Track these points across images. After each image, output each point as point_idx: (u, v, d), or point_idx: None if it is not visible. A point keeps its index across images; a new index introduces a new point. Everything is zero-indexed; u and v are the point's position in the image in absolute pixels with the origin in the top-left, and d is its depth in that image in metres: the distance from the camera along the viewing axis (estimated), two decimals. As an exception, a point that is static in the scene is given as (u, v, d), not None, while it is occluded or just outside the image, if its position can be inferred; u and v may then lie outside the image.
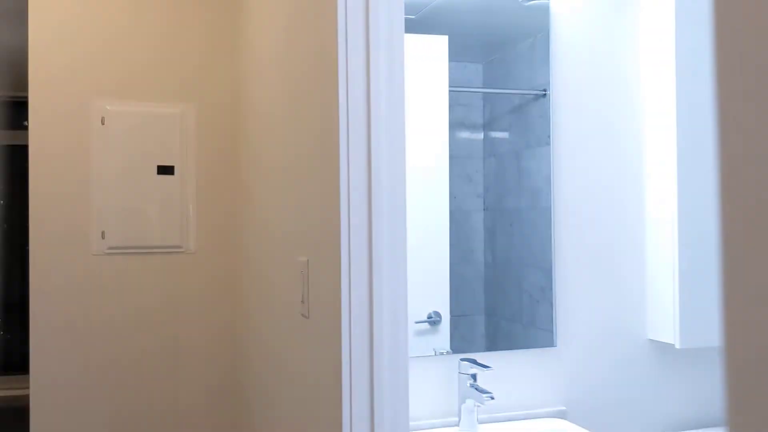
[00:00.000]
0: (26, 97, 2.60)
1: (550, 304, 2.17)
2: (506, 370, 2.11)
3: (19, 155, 4.15)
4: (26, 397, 2.66)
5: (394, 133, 1.36)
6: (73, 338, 2.64)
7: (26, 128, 2.62)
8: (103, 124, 2.67)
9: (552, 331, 2.17)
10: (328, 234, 1.47)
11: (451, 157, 2.14)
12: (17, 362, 6.59)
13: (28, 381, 2.59)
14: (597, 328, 2.22)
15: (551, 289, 2.16)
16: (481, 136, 2.18)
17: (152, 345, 2.74)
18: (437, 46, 2.13)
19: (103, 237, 2.67)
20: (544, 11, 2.24)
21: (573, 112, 2.25)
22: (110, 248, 2.69)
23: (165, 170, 2.74)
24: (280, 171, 2.01)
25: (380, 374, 1.33)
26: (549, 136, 2.21)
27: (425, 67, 2.12)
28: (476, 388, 1.91)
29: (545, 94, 2.23)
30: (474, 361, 1.97)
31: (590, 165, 2.25)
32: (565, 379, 2.17)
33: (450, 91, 2.14)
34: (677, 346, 2.14)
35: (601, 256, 2.24)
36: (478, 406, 1.93)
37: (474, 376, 1.95)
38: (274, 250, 2.06)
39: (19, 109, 4.80)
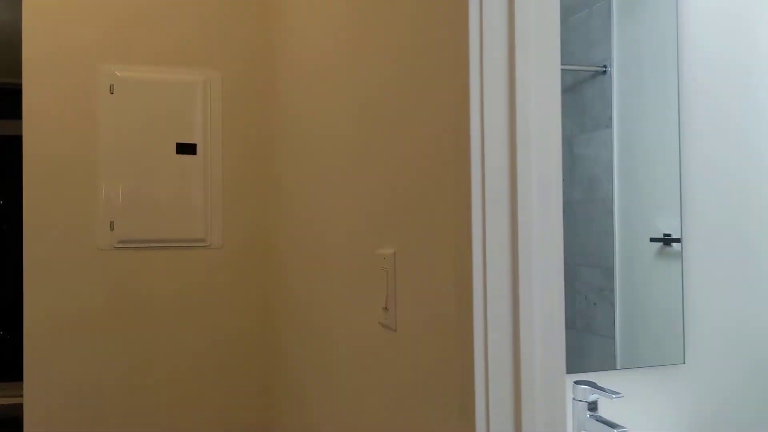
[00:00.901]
0: (20, 85, 2.17)
1: (612, 306, 1.72)
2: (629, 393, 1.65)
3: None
4: (20, 407, 2.24)
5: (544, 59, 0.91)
6: (73, 348, 2.20)
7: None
8: (111, 93, 2.23)
9: (614, 338, 1.71)
10: (434, 214, 1.02)
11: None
12: (10, 368, 6.17)
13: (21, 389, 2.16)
14: (728, 338, 1.76)
15: (613, 289, 1.71)
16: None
17: (169, 358, 2.29)
18: None
19: (111, 228, 2.23)
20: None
21: (638, 90, 1.79)
22: (120, 242, 2.24)
23: (186, 149, 2.29)
24: (344, 140, 1.56)
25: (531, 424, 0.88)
26: (610, 118, 1.80)
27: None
28: (602, 421, 1.45)
29: (606, 71, 1.82)
30: (593, 385, 1.51)
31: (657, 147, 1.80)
32: (688, 400, 1.71)
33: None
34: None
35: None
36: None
37: (595, 404, 1.50)
38: (332, 241, 1.61)
39: (15, 99, 4.38)
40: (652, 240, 2.10)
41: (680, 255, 1.85)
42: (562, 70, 1.80)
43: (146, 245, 2.26)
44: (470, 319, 0.91)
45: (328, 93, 1.65)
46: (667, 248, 2.03)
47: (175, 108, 2.28)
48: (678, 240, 1.91)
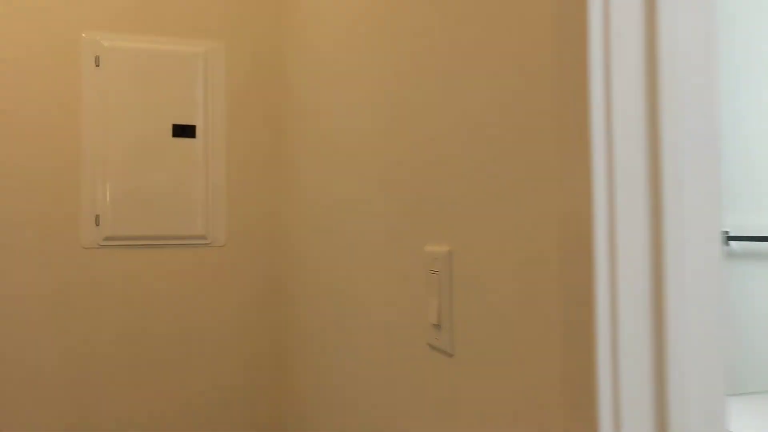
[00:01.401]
0: None
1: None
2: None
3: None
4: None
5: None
6: (51, 362, 1.89)
7: None
8: (97, 65, 1.92)
9: None
10: (518, 194, 0.70)
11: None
12: None
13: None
14: None
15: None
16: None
17: (165, 374, 1.98)
18: None
19: (97, 223, 1.92)
20: None
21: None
22: (107, 239, 1.93)
23: (183, 131, 1.97)
24: (376, 114, 1.25)
25: None
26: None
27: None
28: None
29: None
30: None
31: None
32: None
33: None
34: None
35: None
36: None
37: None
38: (364, 236, 1.29)
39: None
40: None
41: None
42: None
43: (137, 243, 1.95)
44: (589, 347, 0.58)
45: (360, 67, 1.33)
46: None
47: (171, 84, 1.97)
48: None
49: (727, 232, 1.97)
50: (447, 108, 0.89)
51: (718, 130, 0.61)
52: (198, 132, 1.98)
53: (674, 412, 0.58)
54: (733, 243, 1.93)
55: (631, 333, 0.59)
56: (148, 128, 1.94)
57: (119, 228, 1.93)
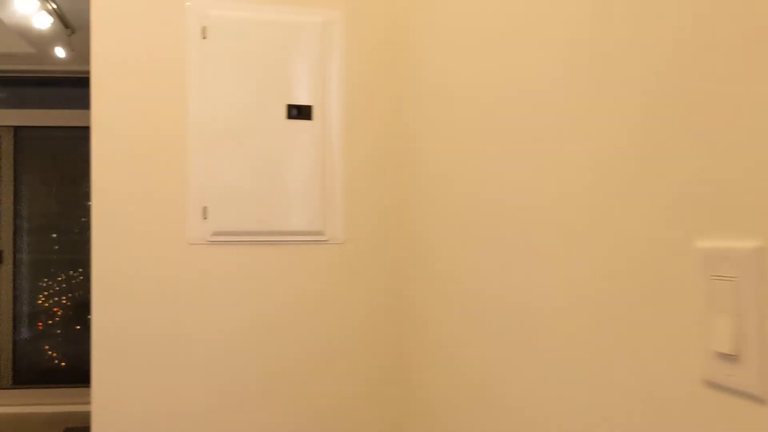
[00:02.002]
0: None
1: None
2: None
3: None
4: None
5: None
6: (156, 367, 1.68)
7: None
8: (204, 37, 1.70)
9: None
10: None
11: None
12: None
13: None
14: None
15: None
16: None
17: (276, 382, 1.74)
18: None
19: (204, 216, 1.70)
20: None
21: None
22: (215, 234, 1.71)
23: (299, 113, 1.73)
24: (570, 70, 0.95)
25: None
26: None
27: None
28: None
29: None
30: None
31: None
32: None
33: None
34: None
35: None
36: None
37: None
38: (549, 236, 1.00)
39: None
40: None
41: None
42: None
43: (248, 239, 1.72)
44: None
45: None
46: None
47: (285, 58, 1.73)
48: None
49: None
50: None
51: None
52: (315, 113, 1.74)
53: None
54: None
55: None
56: (260, 109, 1.71)
57: (228, 222, 1.70)
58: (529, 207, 1.06)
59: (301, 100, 1.73)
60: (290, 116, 1.72)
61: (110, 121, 1.66)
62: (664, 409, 0.73)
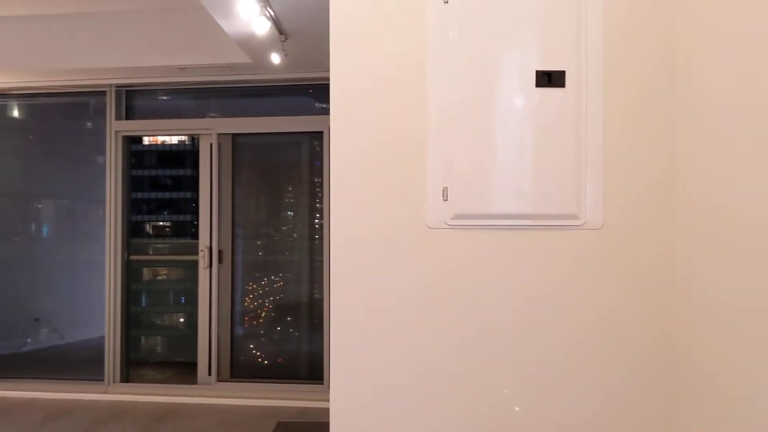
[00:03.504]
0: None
1: None
2: None
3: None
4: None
5: None
6: (390, 359, 1.55)
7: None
8: (446, 2, 1.55)
9: None
10: None
11: None
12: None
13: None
14: None
15: None
16: None
17: (533, 386, 1.54)
18: None
19: (444, 197, 1.54)
20: None
21: None
22: (456, 217, 1.55)
23: (550, 80, 1.52)
24: None
25: None
26: None
27: None
28: None
29: None
30: None
31: None
32: None
33: None
34: None
35: None
36: None
37: None
38: None
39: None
40: None
41: None
42: None
43: (492, 223, 1.54)
44: None
45: None
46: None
47: (533, 19, 1.53)
48: None
49: None
50: None
51: None
52: (568, 80, 1.52)
53: None
54: None
55: None
56: (506, 76, 1.53)
57: (470, 204, 1.53)
58: None
59: (553, 66, 1.51)
60: (539, 84, 1.51)
61: (349, 94, 1.56)
62: None
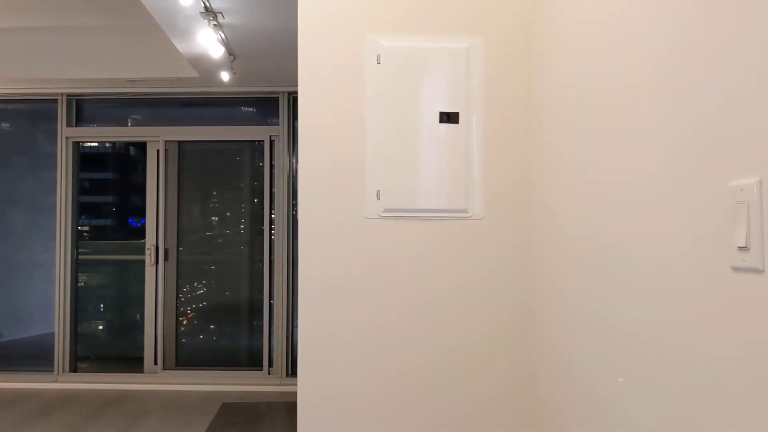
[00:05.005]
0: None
1: None
2: None
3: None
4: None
5: None
6: (345, 310, 2.24)
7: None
8: (378, 63, 2.25)
9: None
10: None
11: None
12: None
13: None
14: None
15: None
16: None
17: (432, 330, 2.25)
18: None
19: (378, 197, 2.24)
20: None
21: None
22: (386, 210, 2.25)
23: (448, 118, 2.25)
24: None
25: None
26: None
27: None
28: None
29: None
30: None
31: None
32: None
33: None
34: None
35: None
36: None
37: None
38: (643, 186, 1.44)
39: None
40: None
41: None
42: None
43: (410, 214, 2.25)
44: None
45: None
46: None
47: (438, 76, 2.25)
48: None
49: None
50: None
51: None
52: (461, 118, 2.25)
53: None
54: None
55: None
56: (419, 115, 2.24)
57: (395, 201, 2.24)
58: (624, 180, 1.50)
59: (451, 108, 2.24)
60: (441, 121, 2.24)
61: (311, 128, 2.24)
62: (701, 294, 1.16)
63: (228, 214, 6.99)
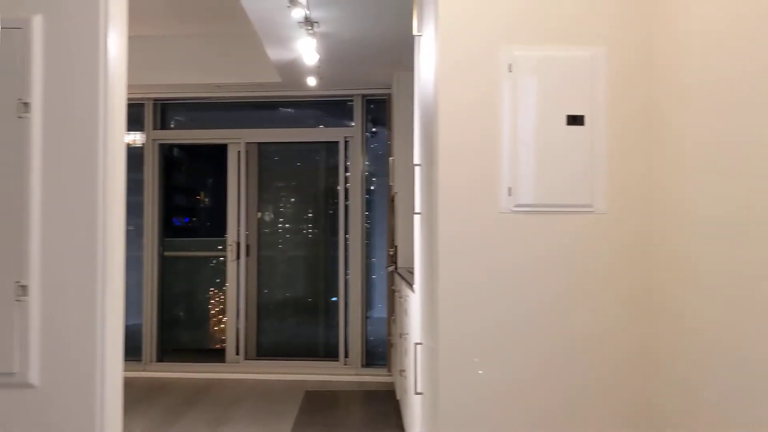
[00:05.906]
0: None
1: None
2: None
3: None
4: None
5: None
6: (475, 300, 2.47)
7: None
8: (510, 71, 2.47)
9: None
10: None
11: None
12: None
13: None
14: None
15: None
16: None
17: (555, 324, 2.47)
18: None
19: (509, 194, 2.46)
20: None
21: None
22: (517, 206, 2.47)
23: (575, 120, 2.46)
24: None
25: None
26: None
27: None
28: None
29: None
30: None
31: None
32: None
33: None
34: None
35: None
36: None
37: None
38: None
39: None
40: None
41: None
42: None
43: (539, 209, 2.47)
44: None
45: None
46: None
47: (565, 82, 2.47)
48: None
49: None
50: None
51: None
52: (586, 120, 2.46)
53: None
54: None
55: None
56: (548, 118, 2.46)
57: (526, 197, 2.47)
58: None
59: (577, 111, 2.45)
60: (569, 123, 2.45)
61: (451, 134, 2.48)
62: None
63: (305, 212, 7.26)
